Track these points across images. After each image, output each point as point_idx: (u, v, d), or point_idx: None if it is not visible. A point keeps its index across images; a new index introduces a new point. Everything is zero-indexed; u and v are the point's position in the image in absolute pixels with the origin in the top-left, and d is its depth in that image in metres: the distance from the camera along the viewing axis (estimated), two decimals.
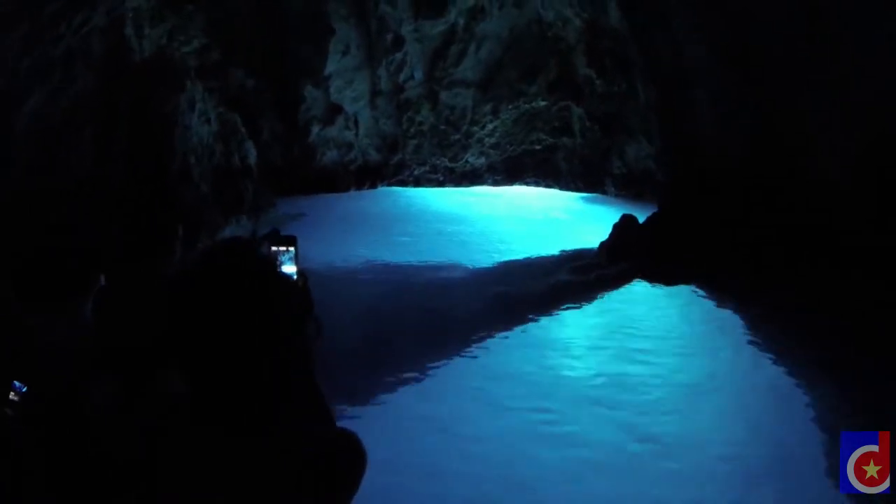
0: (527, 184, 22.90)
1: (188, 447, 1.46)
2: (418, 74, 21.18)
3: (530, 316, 10.67)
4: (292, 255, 1.95)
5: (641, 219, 13.78)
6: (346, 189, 20.95)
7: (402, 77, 21.17)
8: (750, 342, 9.91)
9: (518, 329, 10.23)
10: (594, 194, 21.49)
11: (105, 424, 1.57)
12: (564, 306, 11.22)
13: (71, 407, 1.70)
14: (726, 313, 11.02)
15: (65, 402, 1.76)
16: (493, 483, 6.23)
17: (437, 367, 8.89)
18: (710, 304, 11.57)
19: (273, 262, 1.73)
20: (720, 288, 11.74)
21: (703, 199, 12.32)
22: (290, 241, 1.95)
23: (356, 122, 21.22)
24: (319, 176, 20.34)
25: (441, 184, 22.68)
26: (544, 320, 10.64)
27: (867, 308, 9.08)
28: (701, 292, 11.87)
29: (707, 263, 11.85)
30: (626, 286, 12.15)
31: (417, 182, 22.57)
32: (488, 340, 9.78)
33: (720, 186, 12.04)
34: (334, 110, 20.58)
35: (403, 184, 22.41)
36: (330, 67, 19.79)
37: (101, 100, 11.50)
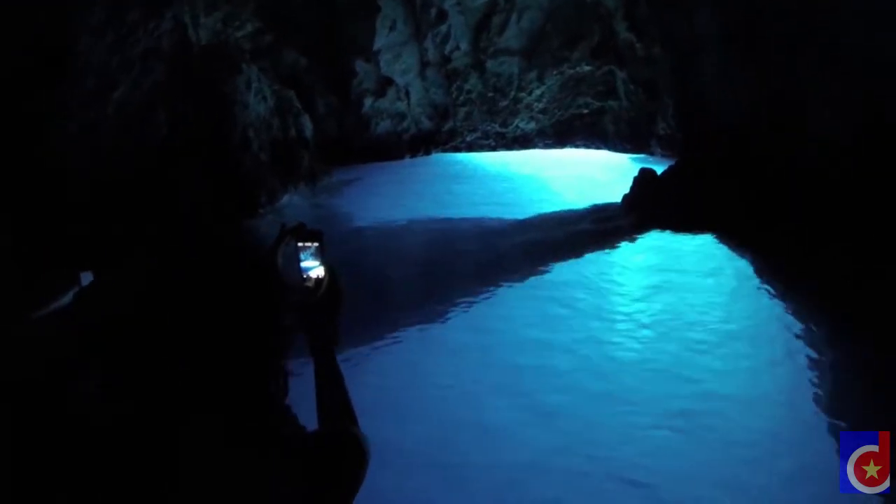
0: (577, 146, 23.59)
1: (176, 441, 1.44)
2: (463, 45, 22.06)
3: (547, 258, 12.07)
4: (313, 250, 1.84)
5: None
6: (401, 157, 22.08)
7: (448, 48, 22.09)
8: (759, 289, 10.79)
9: (533, 269, 11.62)
10: (642, 155, 22.12)
11: (88, 416, 1.46)
12: (579, 251, 12.43)
13: (50, 399, 1.55)
14: (742, 262, 11.90)
15: (44, 395, 1.60)
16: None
17: (463, 298, 10.48)
18: (725, 251, 12.46)
19: (268, 263, 1.69)
20: (731, 235, 12.58)
21: (713, 153, 13.15)
22: (314, 235, 1.84)
23: (407, 93, 22.26)
24: (374, 145, 21.48)
25: (493, 148, 23.59)
26: (557, 264, 11.89)
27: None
28: (713, 239, 12.74)
29: (718, 213, 12.68)
30: (641, 235, 13.14)
31: (470, 148, 23.52)
32: (506, 278, 11.30)
33: (726, 142, 12.85)
34: (385, 83, 21.62)
35: (457, 150, 23.41)
36: (378, 43, 20.79)
37: (171, 87, 13.44)
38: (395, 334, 9.16)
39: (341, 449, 1.67)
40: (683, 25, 13.86)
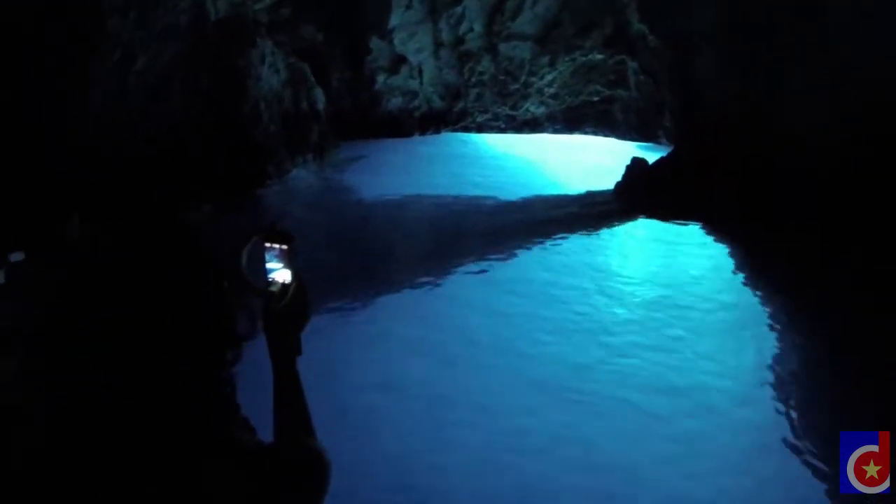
0: (586, 133, 23.89)
1: (115, 441, 1.34)
2: (477, 27, 22.39)
3: (535, 237, 13.02)
4: (280, 253, 1.70)
5: None
6: (411, 133, 22.55)
7: (461, 30, 22.45)
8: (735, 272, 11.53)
9: (524, 244, 12.66)
10: (650, 144, 22.46)
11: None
12: (566, 230, 13.29)
13: None
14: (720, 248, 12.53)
15: None
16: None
17: (452, 269, 11.57)
18: (707, 239, 13.02)
19: (233, 262, 1.63)
20: (717, 225, 13.11)
21: (704, 146, 13.65)
22: (284, 237, 1.70)
23: (420, 72, 22.68)
24: (386, 121, 22.02)
25: (502, 130, 23.92)
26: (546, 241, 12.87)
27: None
28: (698, 229, 13.31)
29: (705, 204, 13.19)
30: (629, 220, 13.72)
31: (480, 128, 23.88)
32: (499, 251, 12.34)
33: (718, 136, 13.34)
34: (399, 61, 22.07)
35: (466, 130, 23.79)
36: (394, 21, 21.22)
37: (186, 61, 14.34)
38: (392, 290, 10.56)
39: (303, 464, 1.62)
40: (684, 20, 14.32)
